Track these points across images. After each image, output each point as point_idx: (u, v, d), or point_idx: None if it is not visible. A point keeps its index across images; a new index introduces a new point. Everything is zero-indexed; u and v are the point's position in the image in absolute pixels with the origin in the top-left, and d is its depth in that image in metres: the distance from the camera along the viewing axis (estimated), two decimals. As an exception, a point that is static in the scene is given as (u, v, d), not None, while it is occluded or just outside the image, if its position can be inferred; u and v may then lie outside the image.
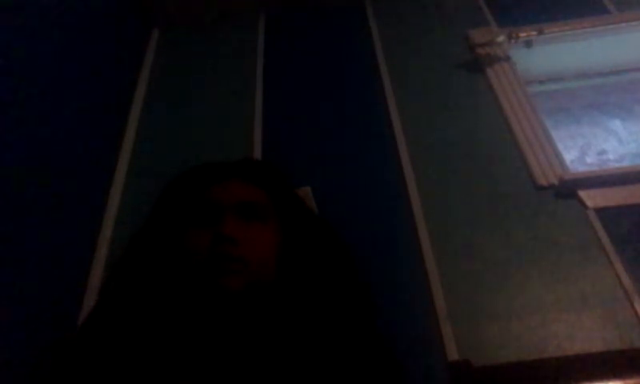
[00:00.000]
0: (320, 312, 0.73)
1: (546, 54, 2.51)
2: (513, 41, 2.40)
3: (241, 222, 0.74)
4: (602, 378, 1.40)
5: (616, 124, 2.58)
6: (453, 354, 1.51)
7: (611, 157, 2.45)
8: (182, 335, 0.69)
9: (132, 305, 0.72)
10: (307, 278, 0.76)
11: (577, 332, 1.54)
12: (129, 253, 0.79)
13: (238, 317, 0.70)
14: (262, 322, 0.71)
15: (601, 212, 1.80)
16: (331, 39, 2.63)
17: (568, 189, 1.87)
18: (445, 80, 2.35)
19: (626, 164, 2.38)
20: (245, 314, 0.71)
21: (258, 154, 2.11)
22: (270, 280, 0.74)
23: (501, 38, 2.38)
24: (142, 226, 0.82)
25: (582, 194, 1.85)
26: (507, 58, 2.36)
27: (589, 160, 2.45)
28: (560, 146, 2.04)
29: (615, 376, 1.39)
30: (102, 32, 2.22)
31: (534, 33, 2.42)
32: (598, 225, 1.77)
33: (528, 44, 2.46)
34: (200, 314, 0.71)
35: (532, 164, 1.95)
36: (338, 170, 2.05)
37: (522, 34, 2.41)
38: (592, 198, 1.84)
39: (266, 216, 0.78)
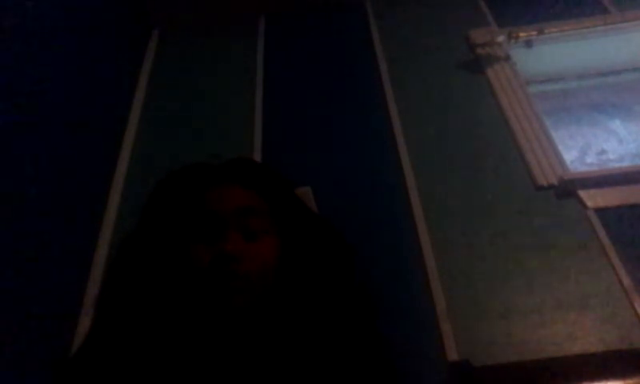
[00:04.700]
0: (321, 319, 0.73)
1: (546, 54, 2.51)
2: (513, 41, 2.40)
3: (241, 234, 0.72)
4: (601, 378, 1.40)
5: (616, 124, 2.58)
6: (453, 354, 1.52)
7: (611, 157, 2.45)
8: (186, 353, 0.68)
9: (133, 323, 0.69)
10: (308, 287, 0.75)
11: (577, 332, 1.54)
12: (121, 265, 0.75)
13: (242, 333, 0.70)
14: (265, 335, 0.70)
15: (601, 212, 1.80)
16: (331, 39, 2.63)
17: (568, 189, 1.87)
18: (445, 80, 2.35)
19: (625, 164, 2.38)
20: (248, 329, 0.70)
21: (257, 153, 2.11)
22: (270, 289, 0.73)
23: (501, 38, 2.38)
24: (132, 235, 0.77)
25: (582, 193, 1.85)
26: (507, 58, 2.36)
27: (589, 160, 2.45)
28: (560, 146, 2.04)
29: (615, 376, 1.39)
30: (102, 33, 2.23)
31: (534, 33, 2.43)
32: (598, 225, 1.77)
33: (528, 44, 2.46)
34: (204, 331, 0.70)
35: (532, 164, 1.95)
36: (338, 169, 2.05)
37: (522, 34, 2.42)
38: (592, 198, 1.83)
39: (266, 224, 0.75)
